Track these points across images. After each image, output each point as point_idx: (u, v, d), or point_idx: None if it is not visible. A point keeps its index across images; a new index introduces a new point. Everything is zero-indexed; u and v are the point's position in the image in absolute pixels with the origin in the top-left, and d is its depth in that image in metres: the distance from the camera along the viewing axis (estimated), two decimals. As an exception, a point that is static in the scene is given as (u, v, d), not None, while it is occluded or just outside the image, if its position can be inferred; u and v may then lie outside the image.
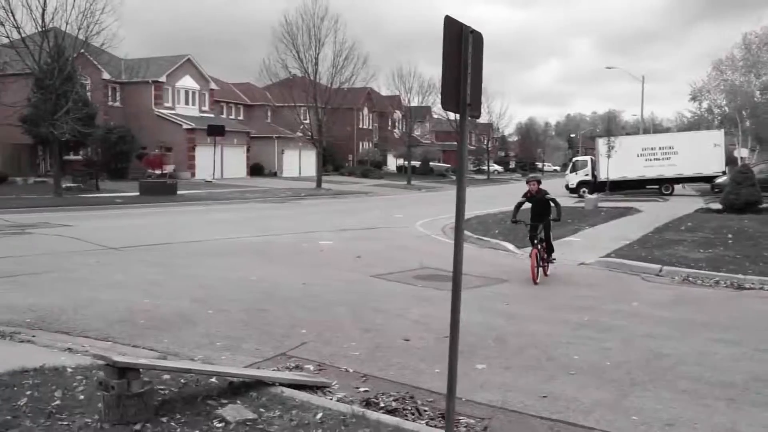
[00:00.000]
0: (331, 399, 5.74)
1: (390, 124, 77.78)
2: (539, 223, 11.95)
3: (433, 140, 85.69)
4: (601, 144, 41.34)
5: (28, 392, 5.21)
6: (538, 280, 11.54)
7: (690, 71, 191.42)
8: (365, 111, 72.85)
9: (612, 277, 12.77)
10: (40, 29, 30.81)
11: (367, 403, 5.71)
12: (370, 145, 73.45)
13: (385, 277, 11.91)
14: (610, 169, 39.73)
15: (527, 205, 12.44)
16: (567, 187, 43.90)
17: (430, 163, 74.92)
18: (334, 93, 44.68)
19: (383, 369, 6.76)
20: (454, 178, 65.64)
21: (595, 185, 41.41)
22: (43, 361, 5.95)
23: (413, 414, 5.58)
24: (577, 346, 7.69)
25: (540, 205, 12.05)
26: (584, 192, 40.26)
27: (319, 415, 5.08)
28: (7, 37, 30.68)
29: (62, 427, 4.61)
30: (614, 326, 8.70)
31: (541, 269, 11.97)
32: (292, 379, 5.93)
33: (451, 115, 61.79)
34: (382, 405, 5.70)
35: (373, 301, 9.85)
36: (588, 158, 46.11)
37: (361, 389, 6.18)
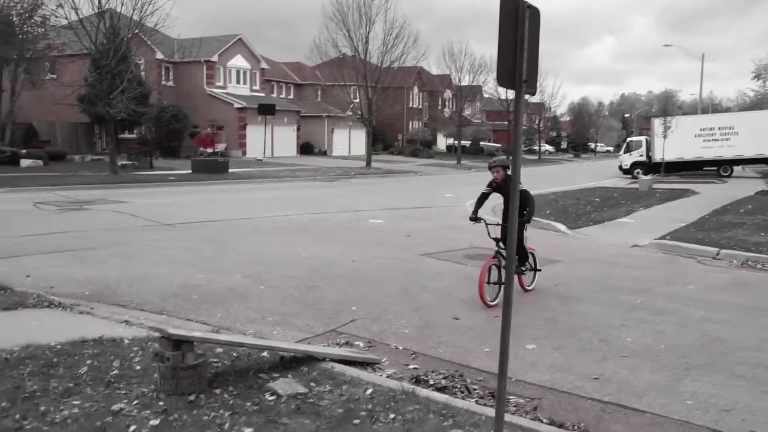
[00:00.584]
0: (381, 375, 5.77)
1: (440, 103, 77.29)
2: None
3: (484, 120, 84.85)
4: (657, 124, 40.28)
5: (88, 361, 5.37)
6: (495, 302, 8.21)
7: (753, 49, 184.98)
8: (415, 90, 72.50)
9: (666, 260, 12.49)
10: (96, 10, 31.44)
11: (417, 381, 5.72)
12: (420, 124, 73.18)
13: (435, 256, 11.88)
14: (666, 150, 38.75)
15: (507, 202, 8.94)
16: (620, 167, 43.05)
17: (480, 143, 74.33)
18: (384, 72, 44.53)
19: (432, 347, 6.77)
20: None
21: (650, 166, 40.47)
22: (102, 333, 6.12)
23: (462, 392, 5.57)
24: (630, 328, 7.56)
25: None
26: (638, 173, 39.40)
27: (369, 391, 5.11)
28: (66, 18, 31.44)
29: (120, 396, 4.74)
30: (669, 309, 8.52)
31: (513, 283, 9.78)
32: (342, 354, 5.97)
33: (503, 94, 61.21)
34: (431, 382, 5.71)
35: (423, 280, 9.84)
36: (642, 138, 45.07)
37: (411, 366, 6.20)
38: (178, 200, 21.23)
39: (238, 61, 52.27)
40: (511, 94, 63.55)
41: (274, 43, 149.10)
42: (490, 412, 4.91)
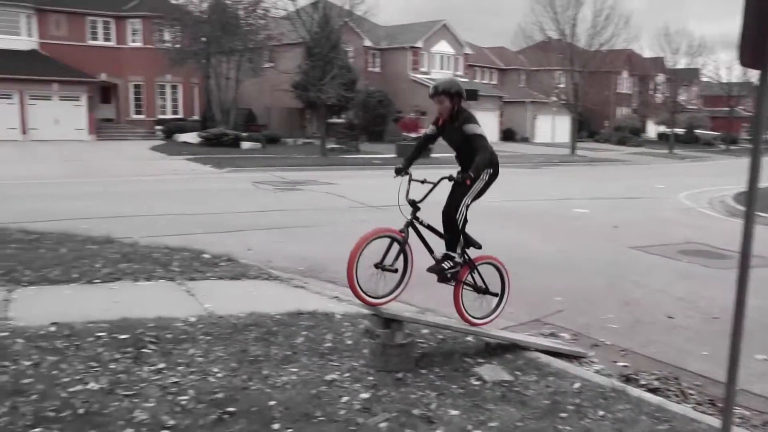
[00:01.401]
0: (588, 370, 5.57)
1: (651, 88, 72.83)
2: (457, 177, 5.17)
3: (701, 106, 78.74)
4: None
5: (304, 333, 5.70)
6: (383, 299, 5.14)
7: None
8: (624, 74, 68.86)
9: None
10: (311, 1, 33.27)
11: (627, 379, 5.46)
12: (629, 110, 69.52)
13: (645, 249, 11.24)
14: None
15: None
16: None
17: (695, 131, 69.05)
18: (591, 56, 42.81)
19: (644, 345, 6.41)
20: (723, 147, 60.09)
21: None
22: (315, 307, 6.46)
23: (677, 396, 5.23)
24: None
25: (463, 143, 5.46)
26: None
27: (577, 385, 4.95)
28: (284, 9, 33.64)
29: (333, 368, 4.98)
30: None
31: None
32: (548, 345, 5.84)
33: (725, 78, 56.35)
34: (642, 382, 5.43)
35: (632, 274, 9.35)
36: None
37: (620, 364, 5.93)
38: (382, 183, 21.87)
39: (442, 47, 52.78)
40: (734, 77, 58.48)
41: (477, 27, 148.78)
42: (711, 420, 4.57)
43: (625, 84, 69.56)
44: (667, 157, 46.64)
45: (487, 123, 52.29)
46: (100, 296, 6.63)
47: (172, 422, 3.93)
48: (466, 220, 5.45)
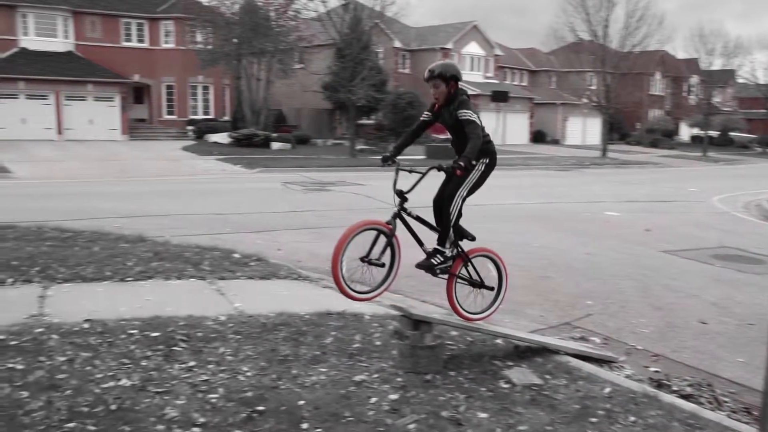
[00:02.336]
0: (619, 375, 5.51)
1: (685, 89, 71.79)
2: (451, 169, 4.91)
3: (736, 108, 77.38)
4: None
5: (333, 333, 5.71)
6: (370, 294, 5.06)
7: None
8: (657, 76, 67.97)
9: None
10: (342, 2, 33.38)
11: (659, 385, 5.39)
12: (661, 112, 68.62)
13: (678, 253, 11.08)
14: None
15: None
16: None
17: (730, 133, 67.89)
18: (624, 57, 42.32)
19: (676, 351, 6.32)
20: (759, 150, 59.02)
21: None
22: (344, 307, 6.46)
23: (711, 403, 5.15)
24: None
25: (458, 129, 5.11)
26: None
27: (607, 390, 4.90)
28: (315, 11, 33.79)
29: (362, 368, 4.98)
30: None
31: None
32: (578, 349, 5.78)
33: (762, 79, 55.38)
34: (674, 388, 5.35)
35: (664, 278, 9.22)
36: None
37: (651, 369, 5.86)
38: (410, 184, 21.88)
39: (473, 48, 52.61)
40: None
41: (508, 28, 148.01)
42: (747, 429, 4.50)
43: (657, 86, 68.68)
44: (700, 160, 45.94)
45: (518, 125, 52.14)
46: (132, 294, 6.72)
47: (202, 420, 3.97)
48: (460, 214, 5.21)
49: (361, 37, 33.04)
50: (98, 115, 36.55)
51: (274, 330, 5.68)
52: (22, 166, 24.23)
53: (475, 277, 5.47)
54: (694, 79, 66.59)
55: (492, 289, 5.61)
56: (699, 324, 7.15)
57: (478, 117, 4.93)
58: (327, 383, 4.64)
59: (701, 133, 56.07)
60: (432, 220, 5.28)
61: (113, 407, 4.04)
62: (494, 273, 5.66)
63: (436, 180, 5.25)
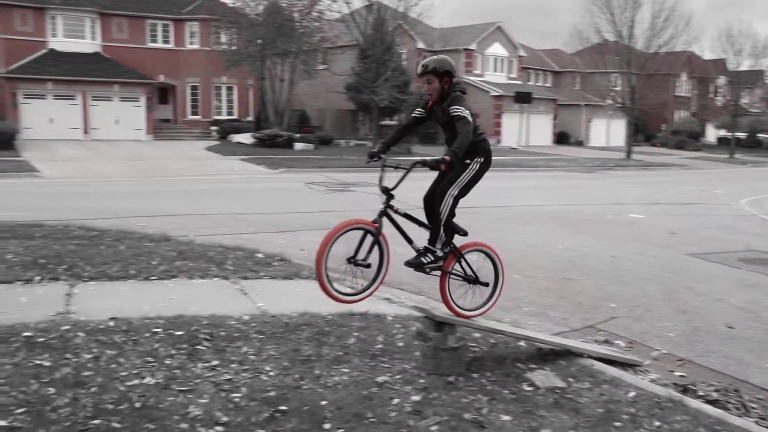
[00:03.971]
0: (644, 379, 5.45)
1: (712, 90, 70.91)
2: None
3: (765, 109, 76.26)
4: None
5: (355, 333, 5.72)
6: (357, 296, 5.04)
7: None
8: (683, 77, 67.22)
9: None
10: (366, 3, 33.42)
11: (684, 390, 5.32)
12: (687, 114, 67.84)
13: (703, 256, 10.94)
14: None
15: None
16: None
17: (758, 135, 66.92)
18: (649, 58, 41.89)
19: (702, 355, 6.24)
20: (787, 152, 58.06)
21: None
22: (367, 308, 6.46)
23: (738, 409, 5.07)
24: None
25: (450, 126, 4.95)
26: None
27: (631, 394, 4.85)
28: (338, 12, 33.86)
29: (384, 369, 4.98)
30: None
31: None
32: (601, 352, 5.73)
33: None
34: (701, 393, 5.28)
35: (690, 282, 9.11)
36: None
37: (676, 373, 5.79)
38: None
39: (496, 49, 52.37)
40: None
41: (532, 29, 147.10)
42: (775, 435, 4.42)
43: (683, 87, 67.92)
44: (727, 162, 45.35)
45: (541, 126, 51.83)
46: (157, 293, 6.78)
47: (225, 419, 3.99)
48: (453, 213, 5.02)
49: (384, 38, 33.09)
50: (124, 116, 36.91)
51: (296, 330, 5.70)
52: (50, 165, 24.55)
53: (469, 272, 5.29)
54: (722, 80, 65.70)
55: (487, 284, 5.41)
56: (726, 328, 7.06)
57: (471, 113, 4.79)
58: (349, 384, 4.64)
59: (728, 134, 55.36)
60: (424, 218, 5.15)
61: (137, 405, 4.07)
62: (490, 268, 5.45)
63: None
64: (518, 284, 8.51)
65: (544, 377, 4.97)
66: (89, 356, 4.81)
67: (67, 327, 5.36)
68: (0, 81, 34.41)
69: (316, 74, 39.44)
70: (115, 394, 4.20)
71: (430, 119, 5.14)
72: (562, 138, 54.49)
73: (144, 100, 37.68)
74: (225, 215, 13.48)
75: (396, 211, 4.98)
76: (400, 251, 5.17)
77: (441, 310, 5.12)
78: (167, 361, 4.82)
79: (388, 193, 4.98)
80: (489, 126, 48.27)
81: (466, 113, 4.75)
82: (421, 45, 46.94)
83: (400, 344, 5.53)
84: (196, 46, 40.23)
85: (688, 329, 7.01)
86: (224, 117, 41.53)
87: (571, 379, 5.04)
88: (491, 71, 52.03)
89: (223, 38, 37.48)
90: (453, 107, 4.79)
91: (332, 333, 5.69)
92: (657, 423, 4.41)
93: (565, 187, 23.64)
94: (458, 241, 5.21)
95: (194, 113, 41.48)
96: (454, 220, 5.10)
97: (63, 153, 29.04)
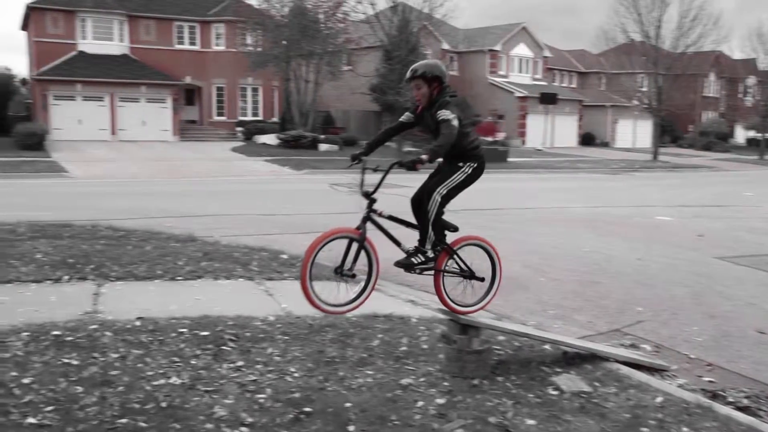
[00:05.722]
0: (671, 384, 5.37)
1: (741, 91, 69.87)
2: (437, 171, 5.10)
3: (795, 109, 74.95)
4: None
5: (380, 335, 5.72)
6: (343, 307, 4.99)
7: None
8: (711, 77, 66.35)
9: None
10: (391, 4, 33.41)
11: (713, 395, 5.24)
12: (716, 114, 66.95)
13: (733, 260, 10.77)
14: None
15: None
16: None
17: (788, 136, 65.84)
18: (677, 58, 41.42)
19: (731, 361, 6.14)
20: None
21: None
22: (391, 310, 6.48)
23: (770, 416, 4.99)
24: None
25: (437, 131, 4.80)
26: None
27: (659, 399, 4.79)
28: (363, 13, 33.91)
29: (408, 371, 4.97)
30: None
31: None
32: (628, 357, 5.66)
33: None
34: (730, 400, 5.19)
35: (719, 285, 8.98)
36: None
37: (705, 379, 5.69)
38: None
39: (521, 50, 52.13)
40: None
41: (557, 30, 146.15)
42: (807, 443, 4.33)
43: (712, 87, 67.02)
44: (756, 164, 44.70)
45: (566, 127, 51.50)
46: (183, 293, 6.84)
47: (250, 420, 4.01)
48: (441, 212, 4.92)
49: (409, 39, 33.08)
50: (150, 117, 37.31)
51: (321, 331, 5.71)
52: (78, 165, 24.89)
53: (464, 268, 5.18)
54: (751, 80, 64.67)
55: (483, 279, 5.28)
56: (756, 333, 6.94)
57: (457, 118, 4.65)
58: (373, 386, 4.64)
59: (758, 135, 54.47)
60: (410, 219, 5.08)
61: (164, 405, 4.11)
62: (486, 261, 5.33)
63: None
64: (544, 287, 8.46)
65: (569, 381, 4.92)
66: (116, 355, 4.86)
67: (94, 326, 5.43)
68: (31, 83, 34.95)
69: (340, 75, 39.54)
70: (142, 393, 4.24)
71: (418, 125, 5.02)
72: (587, 139, 54.08)
73: (170, 102, 38.04)
74: (250, 216, 13.56)
75: (380, 215, 4.91)
76: (400, 252, 5.14)
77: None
78: (193, 362, 4.85)
79: (369, 197, 4.89)
80: (513, 127, 48.09)
81: (452, 116, 4.62)
82: (446, 46, 46.87)
83: (425, 347, 5.51)
84: (222, 48, 40.53)
85: (717, 334, 6.90)
86: (249, 118, 41.78)
87: (596, 384, 4.99)
88: (516, 72, 51.80)
89: (249, 39, 37.74)
90: (440, 111, 4.67)
91: (356, 335, 5.69)
92: (685, 429, 4.35)
93: (590, 188, 23.46)
94: (451, 236, 5.12)
95: (220, 114, 41.79)
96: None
97: (91, 154, 29.42)
